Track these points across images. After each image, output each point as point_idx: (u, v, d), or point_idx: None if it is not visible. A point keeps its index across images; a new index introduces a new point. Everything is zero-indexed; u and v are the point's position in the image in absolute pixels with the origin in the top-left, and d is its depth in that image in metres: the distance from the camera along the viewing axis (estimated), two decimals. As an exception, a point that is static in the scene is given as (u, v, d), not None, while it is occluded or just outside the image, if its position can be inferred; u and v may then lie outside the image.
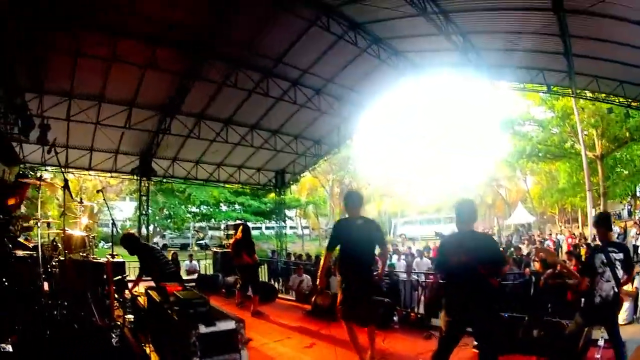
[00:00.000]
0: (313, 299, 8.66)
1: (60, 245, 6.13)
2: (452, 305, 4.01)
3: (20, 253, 5.22)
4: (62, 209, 6.49)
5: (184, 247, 36.03)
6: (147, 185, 16.85)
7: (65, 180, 5.26)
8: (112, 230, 6.39)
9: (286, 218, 26.52)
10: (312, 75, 13.68)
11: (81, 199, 7.79)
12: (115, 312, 5.63)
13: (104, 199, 7.12)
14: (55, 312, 5.03)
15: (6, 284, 4.75)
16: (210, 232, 39.82)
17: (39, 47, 9.99)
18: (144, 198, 16.82)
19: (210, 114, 14.79)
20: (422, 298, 10.11)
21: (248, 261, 8.69)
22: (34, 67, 10.77)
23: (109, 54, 10.91)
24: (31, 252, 5.27)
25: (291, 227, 44.35)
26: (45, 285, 5.71)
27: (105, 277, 5.57)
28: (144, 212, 16.88)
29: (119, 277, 6.67)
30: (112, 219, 6.45)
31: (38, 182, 5.50)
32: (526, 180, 44.29)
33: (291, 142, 17.48)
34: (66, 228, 5.98)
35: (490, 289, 3.96)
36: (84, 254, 6.70)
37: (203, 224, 40.63)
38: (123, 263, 7.62)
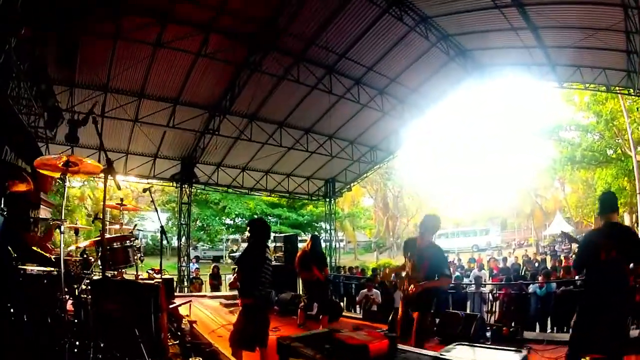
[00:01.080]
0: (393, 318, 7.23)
1: (93, 260, 4.49)
2: (588, 311, 3.83)
3: (33, 269, 3.60)
4: (94, 214, 4.93)
5: (216, 259, 34.42)
6: (188, 192, 15.50)
7: (109, 160, 3.55)
8: (161, 239, 4.72)
9: (322, 231, 25.42)
10: (376, 74, 12.88)
11: (122, 200, 6.18)
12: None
13: (152, 200, 5.45)
14: (87, 357, 3.36)
15: (11, 314, 3.17)
16: (243, 245, 37.99)
17: (71, 28, 8.61)
18: (184, 206, 15.45)
19: (262, 116, 13.78)
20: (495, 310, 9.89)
21: (318, 276, 7.88)
22: (64, 53, 9.34)
23: (154, 38, 9.82)
24: (50, 269, 3.67)
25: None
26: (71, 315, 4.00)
27: (156, 303, 3.85)
28: (184, 222, 15.47)
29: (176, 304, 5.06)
30: (161, 226, 4.84)
31: (63, 160, 3.67)
32: (564, 189, 42.23)
33: (346, 147, 16.39)
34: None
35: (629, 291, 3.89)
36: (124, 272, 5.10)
37: (236, 236, 39.06)
38: (172, 281, 6.03)
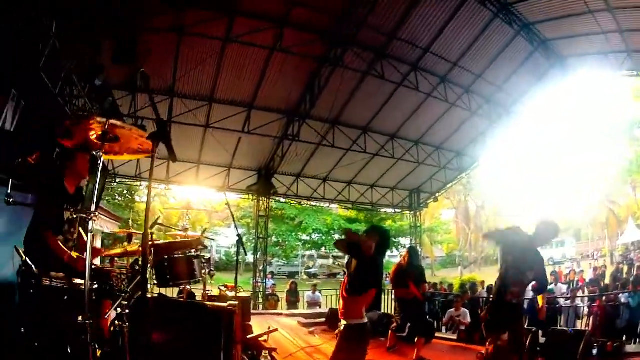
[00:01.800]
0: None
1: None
2: None
3: (54, 281, 2.50)
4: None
5: (291, 275, 33.99)
6: (266, 204, 14.74)
7: (160, 121, 2.36)
8: (238, 249, 3.65)
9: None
10: (461, 70, 11.72)
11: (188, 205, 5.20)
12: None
13: (228, 204, 4.45)
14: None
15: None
16: (319, 261, 37.84)
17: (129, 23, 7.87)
18: (261, 219, 14.76)
19: (345, 120, 12.80)
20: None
21: (416, 294, 6.76)
22: (122, 51, 8.74)
23: (222, 33, 9.14)
24: (77, 283, 2.58)
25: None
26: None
27: (229, 334, 2.65)
28: (261, 235, 14.69)
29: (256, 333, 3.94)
30: (239, 235, 3.78)
31: (99, 126, 2.55)
32: (635, 193, 37.55)
33: (432, 153, 14.93)
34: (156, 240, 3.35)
35: None
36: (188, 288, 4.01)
37: (312, 252, 38.51)
38: (249, 300, 4.92)
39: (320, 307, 13.39)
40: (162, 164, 12.29)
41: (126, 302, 2.66)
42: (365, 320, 3.86)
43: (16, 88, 4.57)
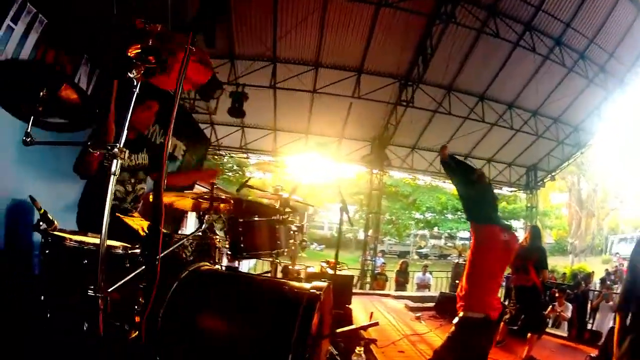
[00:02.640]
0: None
1: (218, 239, 2.75)
2: None
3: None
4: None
5: (402, 254, 32.82)
6: (380, 177, 14.27)
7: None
8: (342, 219, 2.97)
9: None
10: (574, 33, 10.58)
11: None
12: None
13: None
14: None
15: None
16: (431, 241, 36.65)
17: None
18: (375, 193, 14.23)
19: (460, 86, 11.96)
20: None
21: (536, 282, 5.92)
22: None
23: None
24: (121, 245, 2.00)
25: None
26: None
27: (305, 326, 1.89)
28: (374, 210, 14.24)
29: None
30: (343, 200, 3.10)
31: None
32: None
33: (551, 126, 13.76)
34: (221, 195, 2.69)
35: None
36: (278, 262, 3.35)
37: (425, 231, 37.27)
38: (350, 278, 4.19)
39: (429, 289, 12.93)
40: (268, 134, 12.03)
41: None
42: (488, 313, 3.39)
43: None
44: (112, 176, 1.63)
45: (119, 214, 2.79)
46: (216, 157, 13.97)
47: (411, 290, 12.96)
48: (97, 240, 1.84)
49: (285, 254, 3.34)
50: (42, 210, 1.98)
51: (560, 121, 13.75)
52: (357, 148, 13.59)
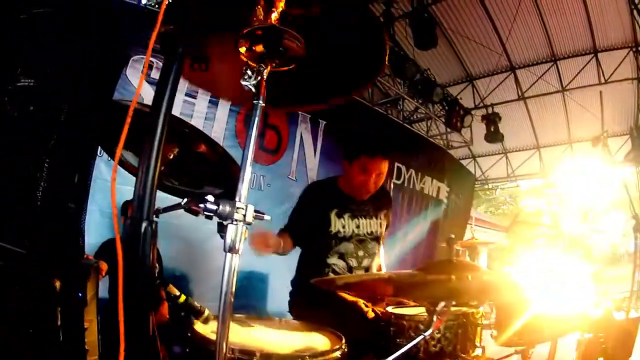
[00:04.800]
0: None
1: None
2: None
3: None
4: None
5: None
6: None
7: None
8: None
9: None
10: None
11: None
12: None
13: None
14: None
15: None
16: None
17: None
18: None
19: None
20: None
21: None
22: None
23: None
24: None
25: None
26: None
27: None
28: None
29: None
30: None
31: None
32: None
33: None
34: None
35: None
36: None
37: None
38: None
39: None
40: (532, 154, 11.44)
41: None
42: None
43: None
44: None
45: None
46: (487, 192, 13.20)
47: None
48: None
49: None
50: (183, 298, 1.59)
51: None
52: (618, 146, 11.89)
